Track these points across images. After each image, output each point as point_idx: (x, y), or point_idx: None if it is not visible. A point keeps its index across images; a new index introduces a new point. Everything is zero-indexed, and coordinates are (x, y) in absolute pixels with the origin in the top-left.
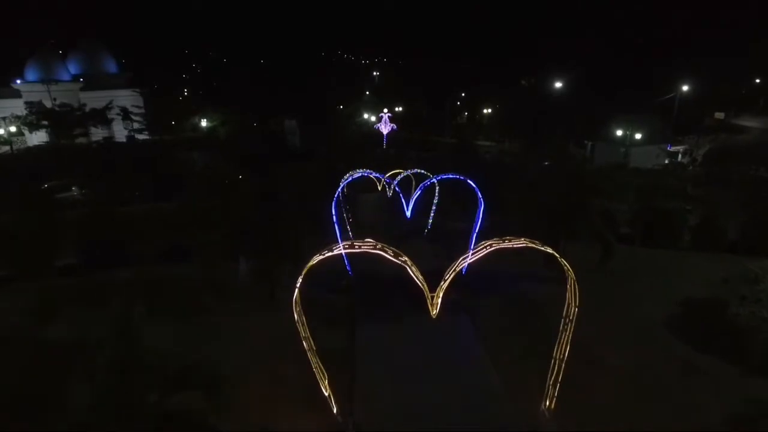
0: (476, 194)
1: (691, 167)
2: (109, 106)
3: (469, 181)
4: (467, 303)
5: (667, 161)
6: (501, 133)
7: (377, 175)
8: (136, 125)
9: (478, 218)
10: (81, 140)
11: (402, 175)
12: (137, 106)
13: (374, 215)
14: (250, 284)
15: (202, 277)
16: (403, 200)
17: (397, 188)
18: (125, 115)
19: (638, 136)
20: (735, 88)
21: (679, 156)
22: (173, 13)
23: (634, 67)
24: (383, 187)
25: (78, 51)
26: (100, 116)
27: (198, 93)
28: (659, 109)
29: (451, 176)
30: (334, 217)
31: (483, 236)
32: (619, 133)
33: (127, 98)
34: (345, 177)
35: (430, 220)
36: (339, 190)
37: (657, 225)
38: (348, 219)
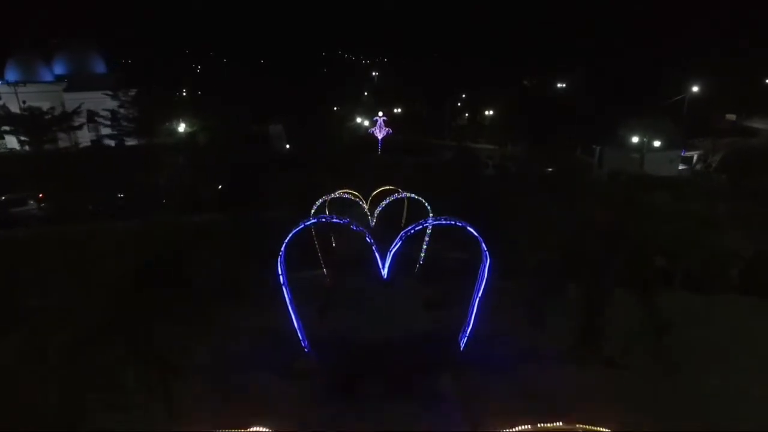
0: (481, 230)
1: (705, 172)
2: (78, 110)
3: (469, 228)
4: (464, 394)
5: (681, 167)
6: (503, 136)
7: (338, 220)
8: (107, 130)
9: (482, 278)
10: (62, 145)
11: (388, 201)
12: (107, 110)
13: (359, 242)
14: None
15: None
16: (377, 254)
17: (369, 238)
18: (113, 117)
19: (658, 143)
20: (745, 89)
21: (693, 161)
22: (172, 11)
23: (641, 67)
24: (368, 210)
25: (65, 50)
26: (70, 119)
27: (195, 93)
28: (668, 111)
29: (446, 222)
30: (282, 278)
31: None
32: (635, 139)
33: (115, 100)
34: (317, 205)
35: (423, 254)
36: (286, 242)
37: (702, 263)
38: (330, 246)
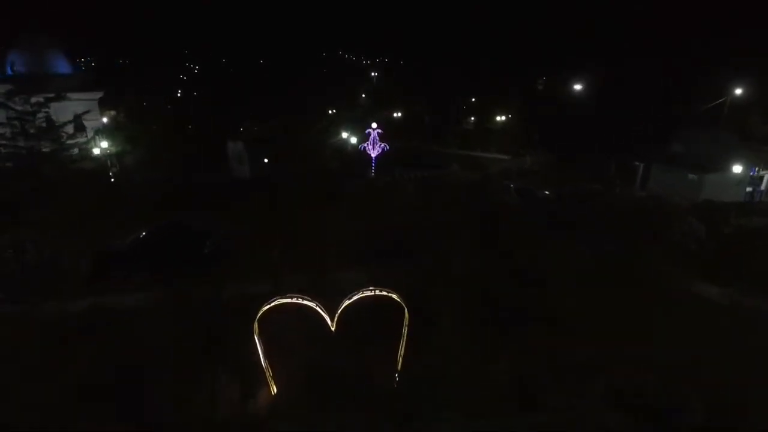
0: None
1: None
2: None
3: None
4: None
5: (748, 189)
6: (518, 145)
7: None
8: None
9: None
10: None
11: None
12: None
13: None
14: None
15: None
16: None
17: None
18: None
19: (756, 170)
20: None
21: (764, 184)
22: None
23: (674, 67)
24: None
25: (19, 48)
26: None
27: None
28: (702, 119)
29: None
30: None
31: None
32: (738, 169)
33: (79, 103)
34: None
35: None
36: None
37: None
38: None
